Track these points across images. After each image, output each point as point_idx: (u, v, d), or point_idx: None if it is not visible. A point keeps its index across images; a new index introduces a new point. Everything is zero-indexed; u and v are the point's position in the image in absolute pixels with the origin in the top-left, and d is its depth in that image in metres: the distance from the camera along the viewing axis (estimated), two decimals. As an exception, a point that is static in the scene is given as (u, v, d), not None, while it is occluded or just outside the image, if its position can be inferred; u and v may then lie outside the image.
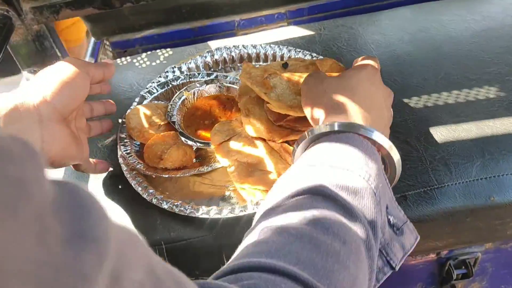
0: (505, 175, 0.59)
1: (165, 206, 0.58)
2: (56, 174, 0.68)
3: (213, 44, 0.86)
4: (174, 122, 0.65)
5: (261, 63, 0.80)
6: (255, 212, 0.55)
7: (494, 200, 0.58)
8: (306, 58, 0.76)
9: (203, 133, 0.67)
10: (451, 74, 0.73)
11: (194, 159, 0.65)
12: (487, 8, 0.84)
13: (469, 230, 0.61)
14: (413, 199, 0.58)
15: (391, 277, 0.67)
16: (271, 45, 0.79)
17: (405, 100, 0.69)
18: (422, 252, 0.64)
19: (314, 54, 0.76)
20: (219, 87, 0.71)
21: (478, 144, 0.62)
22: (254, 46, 0.79)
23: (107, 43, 1.01)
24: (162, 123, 0.66)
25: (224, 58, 0.79)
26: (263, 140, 0.61)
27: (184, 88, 0.71)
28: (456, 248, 0.65)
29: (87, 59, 0.98)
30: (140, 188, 0.60)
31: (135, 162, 0.62)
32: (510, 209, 0.59)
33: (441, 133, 0.64)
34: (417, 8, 0.88)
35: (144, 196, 0.59)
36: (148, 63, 0.84)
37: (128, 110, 0.70)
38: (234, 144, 0.61)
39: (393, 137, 0.64)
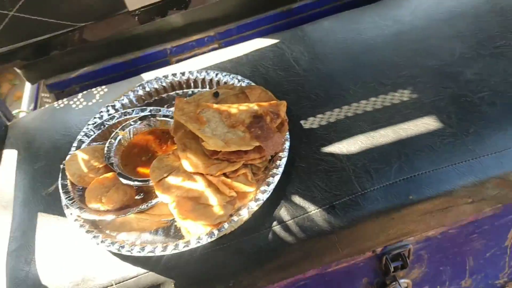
0: (420, 174, 0.65)
1: (113, 249, 0.61)
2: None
3: (148, 76, 0.89)
4: (112, 164, 0.68)
5: (192, 89, 0.83)
6: (199, 246, 0.60)
7: (412, 198, 0.64)
8: (233, 81, 0.80)
9: (142, 169, 0.70)
10: (368, 81, 0.78)
11: (136, 196, 0.68)
12: (397, 12, 0.90)
13: (396, 227, 0.66)
14: (340, 207, 0.63)
15: (337, 275, 0.73)
16: (199, 71, 0.83)
17: (328, 113, 0.74)
18: (360, 251, 0.70)
19: (239, 77, 0.80)
20: (154, 122, 0.74)
21: (395, 148, 0.68)
22: (183, 73, 0.83)
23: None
24: (101, 165, 0.69)
25: (156, 89, 0.82)
26: (202, 173, 0.65)
27: (120, 127, 0.73)
28: (389, 244, 0.70)
29: (26, 102, 1.00)
30: (88, 236, 0.63)
31: (78, 208, 0.65)
32: (428, 204, 0.64)
33: (361, 141, 0.69)
34: (335, 19, 0.93)
35: (93, 242, 0.62)
36: (84, 103, 0.86)
37: (68, 156, 0.72)
38: (173, 180, 0.65)
39: (319, 150, 0.69)
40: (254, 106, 0.71)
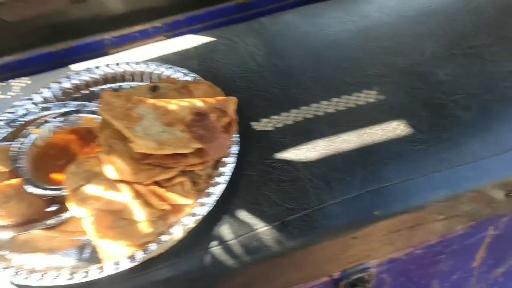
0: (387, 186, 0.56)
1: (5, 276, 0.48)
2: None
3: (78, 67, 0.77)
4: (18, 168, 0.56)
5: (129, 83, 0.72)
6: (117, 273, 0.48)
7: (378, 214, 0.54)
8: (177, 75, 0.69)
9: (57, 176, 0.58)
10: (331, 80, 0.69)
11: (50, 208, 0.56)
12: (365, 8, 0.82)
13: (357, 248, 0.57)
14: (294, 224, 0.53)
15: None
16: (138, 62, 0.72)
17: (284, 114, 0.64)
18: (314, 276, 0.60)
19: (185, 71, 0.69)
20: (78, 119, 0.63)
21: (360, 155, 0.59)
22: (118, 64, 0.71)
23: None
24: (6, 169, 0.56)
25: (86, 81, 0.70)
26: (128, 182, 0.54)
27: (36, 125, 0.61)
28: (348, 267, 0.60)
29: None
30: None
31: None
32: (395, 221, 0.55)
33: (321, 147, 0.60)
34: (297, 12, 0.84)
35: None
36: (0, 96, 0.73)
37: (-34, 157, 0.60)
38: (92, 189, 0.53)
39: (272, 156, 0.59)
40: (197, 102, 0.60)
